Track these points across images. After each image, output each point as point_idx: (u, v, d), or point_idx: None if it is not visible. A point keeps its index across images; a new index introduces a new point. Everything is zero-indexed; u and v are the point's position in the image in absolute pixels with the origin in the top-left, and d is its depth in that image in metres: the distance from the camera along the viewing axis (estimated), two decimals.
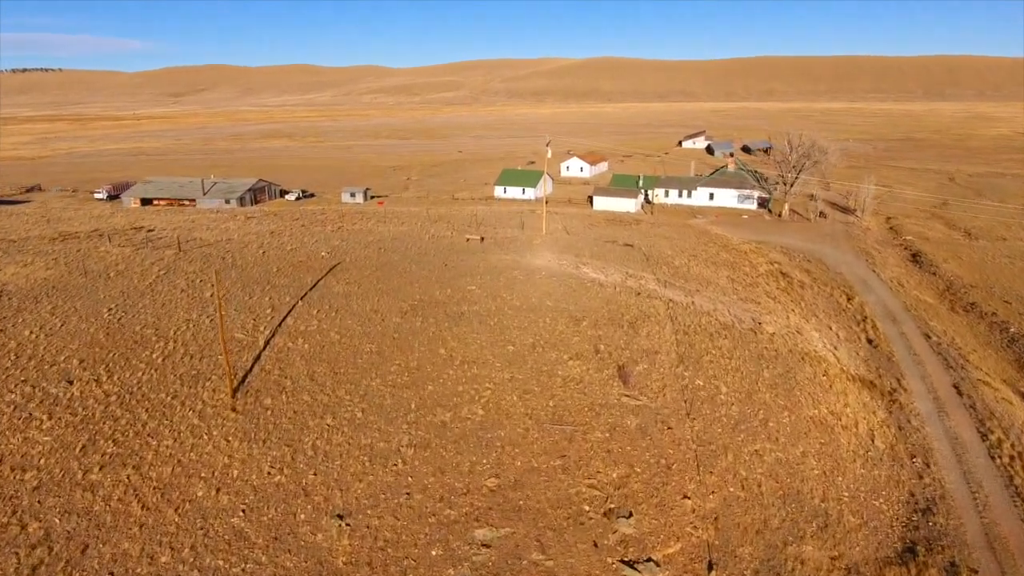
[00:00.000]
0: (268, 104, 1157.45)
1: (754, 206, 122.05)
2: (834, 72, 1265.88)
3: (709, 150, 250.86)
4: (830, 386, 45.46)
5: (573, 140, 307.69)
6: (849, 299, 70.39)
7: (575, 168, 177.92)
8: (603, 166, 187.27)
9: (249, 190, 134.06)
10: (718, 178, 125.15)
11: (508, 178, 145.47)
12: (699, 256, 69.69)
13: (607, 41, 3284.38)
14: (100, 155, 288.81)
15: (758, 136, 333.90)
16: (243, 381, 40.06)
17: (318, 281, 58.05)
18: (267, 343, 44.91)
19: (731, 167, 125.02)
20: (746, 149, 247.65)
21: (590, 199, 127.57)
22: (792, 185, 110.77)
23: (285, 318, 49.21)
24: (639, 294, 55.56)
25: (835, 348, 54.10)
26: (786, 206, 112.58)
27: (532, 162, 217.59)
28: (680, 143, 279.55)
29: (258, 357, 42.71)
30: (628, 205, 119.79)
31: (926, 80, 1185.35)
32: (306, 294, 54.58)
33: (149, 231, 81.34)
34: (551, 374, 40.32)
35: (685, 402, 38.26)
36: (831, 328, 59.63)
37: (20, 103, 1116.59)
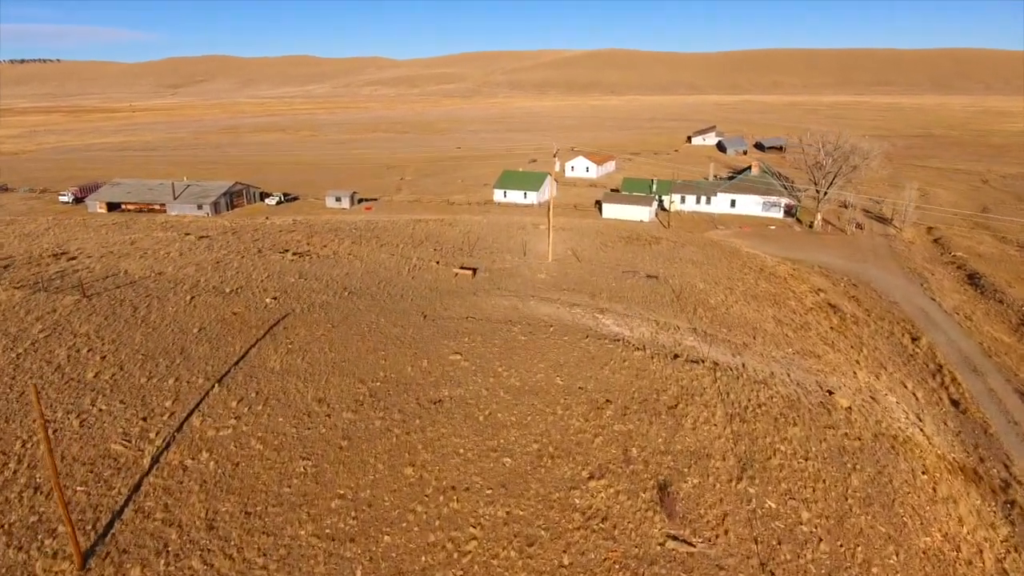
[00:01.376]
0: (266, 96, 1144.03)
1: (780, 215, 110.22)
2: (839, 65, 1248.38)
3: (720, 147, 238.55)
4: (934, 489, 34.11)
5: (577, 135, 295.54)
6: (914, 340, 58.81)
7: (581, 168, 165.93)
8: (610, 165, 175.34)
9: (225, 194, 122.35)
10: (741, 183, 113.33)
11: (508, 180, 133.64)
12: (736, 288, 58.11)
13: (610, 32, 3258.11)
14: (86, 150, 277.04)
15: (770, 132, 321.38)
16: (104, 535, 27.86)
17: (250, 348, 45.19)
18: (156, 460, 32.63)
19: (755, 170, 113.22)
20: (759, 146, 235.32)
21: (599, 205, 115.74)
22: (826, 192, 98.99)
23: (190, 415, 36.54)
24: (676, 357, 43.54)
25: (920, 420, 42.68)
26: (818, 216, 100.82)
27: (534, 160, 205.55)
28: (689, 139, 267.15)
29: (137, 486, 30.72)
30: (641, 213, 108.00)
31: (933, 73, 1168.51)
32: (229, 371, 41.79)
33: (70, 259, 68.40)
34: (564, 505, 28.12)
35: (756, 542, 26.83)
36: (906, 386, 48.18)
37: (18, 94, 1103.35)
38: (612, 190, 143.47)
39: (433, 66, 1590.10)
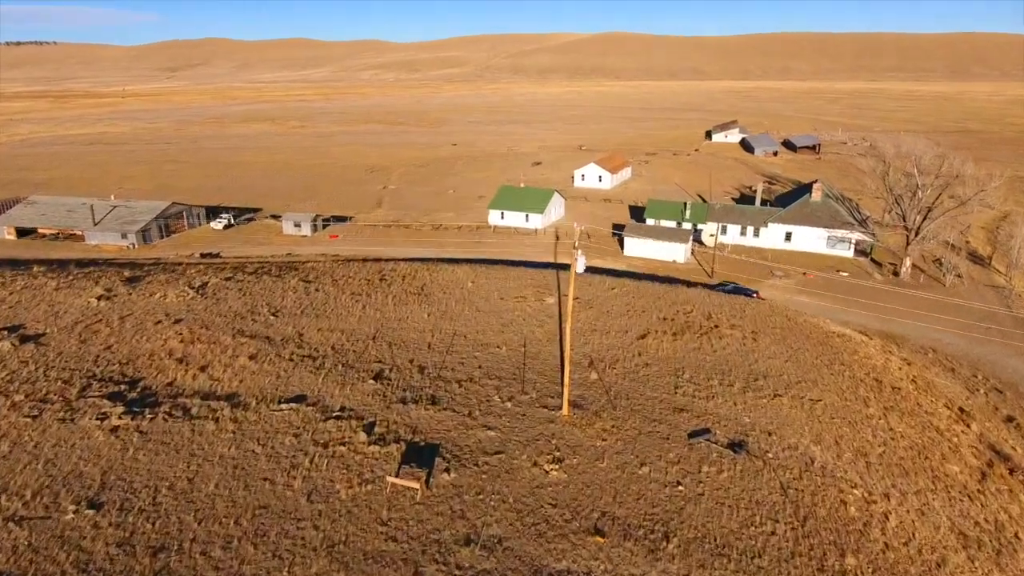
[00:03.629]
0: (262, 80, 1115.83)
1: (850, 252, 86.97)
2: (853, 50, 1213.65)
3: (745, 146, 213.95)
4: None
5: (583, 129, 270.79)
6: None
7: (592, 177, 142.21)
8: (625, 173, 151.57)
9: (158, 218, 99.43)
10: (798, 211, 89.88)
11: (507, 199, 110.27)
12: (869, 449, 35.16)
13: (615, 15, 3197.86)
14: (54, 143, 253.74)
15: (793, 125, 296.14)
16: None
17: None
18: None
19: (816, 195, 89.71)
20: (789, 145, 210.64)
21: (619, 239, 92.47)
22: (919, 232, 75.44)
23: None
24: None
25: None
26: (907, 261, 77.49)
27: (538, 162, 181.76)
28: (709, 135, 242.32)
29: None
30: (674, 252, 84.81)
31: (950, 59, 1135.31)
32: None
33: None
34: None
35: None
36: None
37: (13, 78, 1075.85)
38: (632, 209, 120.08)
39: (434, 50, 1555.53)
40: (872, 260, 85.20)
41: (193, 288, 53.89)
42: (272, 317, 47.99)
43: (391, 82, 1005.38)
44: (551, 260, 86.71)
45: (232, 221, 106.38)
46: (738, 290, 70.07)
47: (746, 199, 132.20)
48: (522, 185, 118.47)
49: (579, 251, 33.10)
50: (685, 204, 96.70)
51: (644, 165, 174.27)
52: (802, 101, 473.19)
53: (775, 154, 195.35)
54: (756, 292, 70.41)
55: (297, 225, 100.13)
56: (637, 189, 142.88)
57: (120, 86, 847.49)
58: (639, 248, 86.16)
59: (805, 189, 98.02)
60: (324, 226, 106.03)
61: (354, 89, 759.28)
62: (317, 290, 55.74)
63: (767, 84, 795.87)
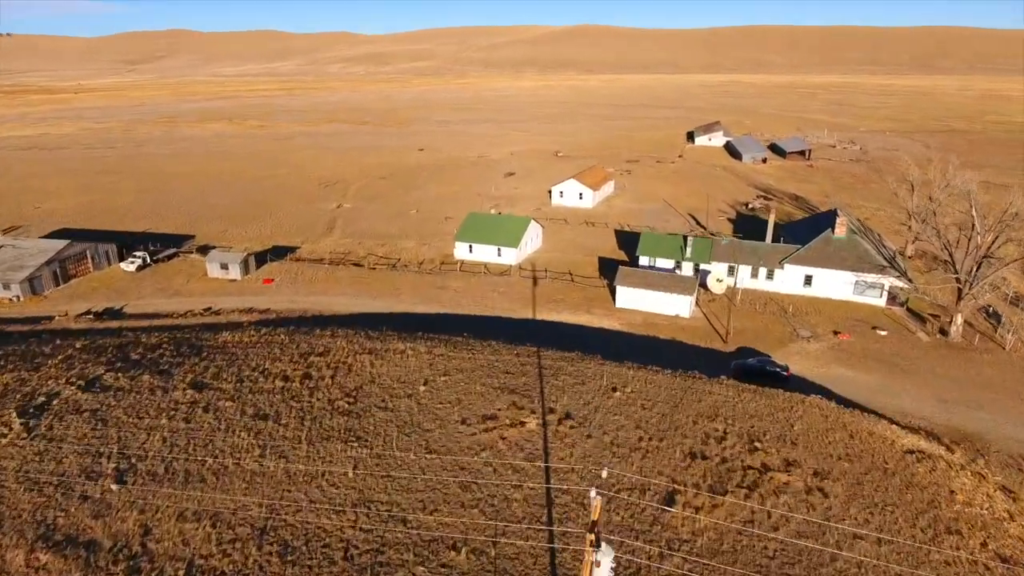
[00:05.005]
0: (227, 74, 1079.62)
1: (881, 300, 73.45)
2: (824, 43, 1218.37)
3: (731, 150, 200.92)
4: None
5: (558, 130, 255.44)
6: None
7: (572, 194, 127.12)
8: (608, 188, 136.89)
9: (52, 261, 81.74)
10: (820, 249, 75.92)
11: (476, 229, 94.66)
12: None
13: (587, 7, 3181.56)
14: None
15: (775, 124, 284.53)
16: None
17: None
18: None
19: (840, 229, 75.87)
20: (776, 150, 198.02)
21: (610, 288, 77.59)
22: (973, 283, 61.91)
23: None
24: None
25: None
26: (959, 318, 64.14)
27: (511, 173, 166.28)
28: (691, 138, 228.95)
29: None
30: (677, 305, 70.24)
31: (916, 52, 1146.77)
32: None
33: None
34: None
35: None
36: None
37: None
38: (618, 235, 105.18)
39: (405, 42, 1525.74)
40: (909, 310, 71.84)
41: (25, 416, 37.66)
42: (115, 486, 32.07)
43: (360, 76, 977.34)
44: (529, 316, 71.60)
45: (148, 260, 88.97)
46: (764, 371, 55.88)
47: (744, 220, 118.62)
48: (493, 211, 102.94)
49: (601, 548, 18.07)
50: (685, 239, 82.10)
51: (626, 176, 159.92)
52: (779, 96, 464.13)
53: (764, 161, 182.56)
54: (787, 368, 56.36)
55: (224, 267, 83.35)
56: (622, 208, 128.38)
57: (77, 81, 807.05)
58: (634, 299, 71.50)
59: (824, 219, 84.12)
60: (260, 264, 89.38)
61: (321, 84, 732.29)
62: (206, 409, 39.88)
63: (741, 78, 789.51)
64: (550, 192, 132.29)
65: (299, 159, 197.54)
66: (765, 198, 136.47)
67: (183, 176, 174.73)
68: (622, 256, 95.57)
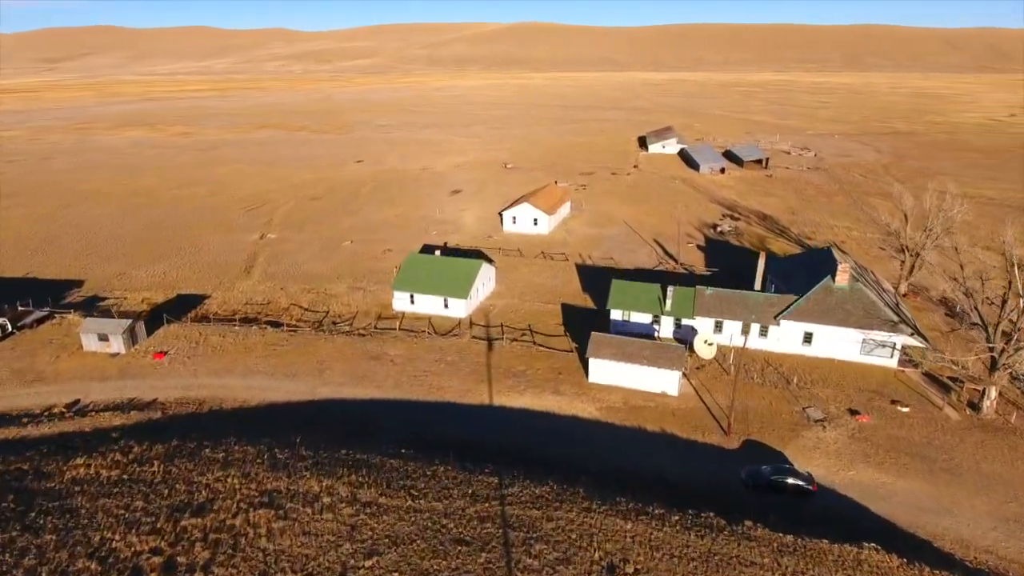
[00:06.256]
0: (157, 72, 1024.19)
1: (893, 361, 63.60)
2: (761, 41, 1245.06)
3: (686, 159, 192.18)
4: None
5: (507, 135, 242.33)
6: None
7: (526, 220, 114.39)
8: (564, 210, 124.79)
9: None
10: (820, 300, 65.32)
11: (418, 276, 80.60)
12: None
13: (531, 5, 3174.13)
14: None
15: (722, 126, 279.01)
16: None
17: None
18: None
19: (842, 277, 65.53)
20: (732, 157, 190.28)
21: (581, 357, 65.11)
22: (1013, 352, 52.22)
23: None
24: None
25: None
26: (992, 392, 54.50)
27: (458, 190, 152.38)
28: (644, 143, 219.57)
29: None
30: (664, 381, 58.38)
31: (845, 50, 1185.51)
32: None
33: None
34: None
35: None
36: None
37: None
38: (580, 270, 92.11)
39: (346, 39, 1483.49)
40: (924, 374, 62.20)
41: None
42: None
43: (298, 74, 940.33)
44: (485, 400, 58.33)
45: (9, 328, 71.55)
46: (783, 484, 44.48)
47: (715, 247, 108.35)
48: (436, 246, 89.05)
49: None
50: (664, 290, 70.31)
51: (582, 192, 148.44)
52: (721, 96, 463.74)
53: (722, 171, 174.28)
54: (811, 479, 45.16)
55: (103, 338, 66.88)
56: (581, 233, 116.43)
57: None
58: (611, 374, 59.31)
59: (817, 258, 73.64)
60: (154, 326, 73.12)
61: (256, 83, 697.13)
62: None
63: (681, 76, 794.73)
64: (501, 216, 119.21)
65: (223, 175, 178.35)
66: (732, 218, 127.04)
67: (90, 196, 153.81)
68: (587, 302, 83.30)
